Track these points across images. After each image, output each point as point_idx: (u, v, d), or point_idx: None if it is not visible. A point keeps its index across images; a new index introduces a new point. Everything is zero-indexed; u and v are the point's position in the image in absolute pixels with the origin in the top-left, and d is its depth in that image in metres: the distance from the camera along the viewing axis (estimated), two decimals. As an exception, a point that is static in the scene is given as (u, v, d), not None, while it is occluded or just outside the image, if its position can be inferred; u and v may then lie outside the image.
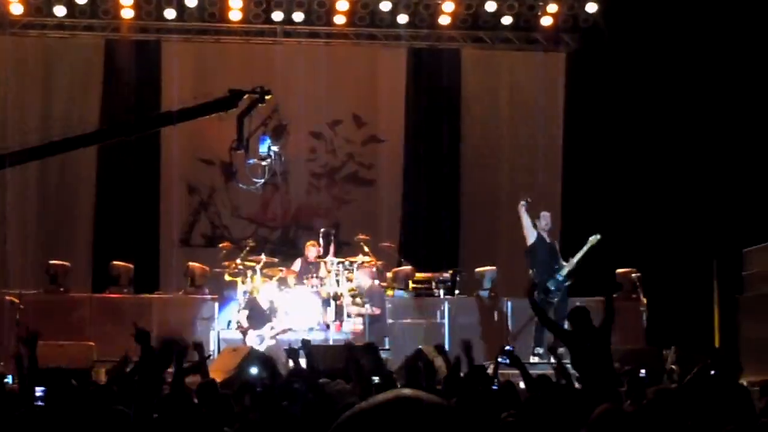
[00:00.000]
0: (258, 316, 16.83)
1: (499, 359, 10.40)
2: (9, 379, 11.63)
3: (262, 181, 13.44)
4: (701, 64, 19.21)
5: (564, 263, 16.34)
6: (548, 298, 15.92)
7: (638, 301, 17.59)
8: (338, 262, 17.85)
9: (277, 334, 16.56)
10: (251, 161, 12.82)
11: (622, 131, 20.20)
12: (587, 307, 11.52)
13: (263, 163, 12.99)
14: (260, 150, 12.91)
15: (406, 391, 2.67)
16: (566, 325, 12.45)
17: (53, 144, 13.18)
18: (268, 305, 16.98)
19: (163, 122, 15.14)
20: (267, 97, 13.38)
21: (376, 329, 16.82)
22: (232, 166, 12.66)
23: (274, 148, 13.03)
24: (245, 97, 13.01)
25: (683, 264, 19.20)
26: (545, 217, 16.64)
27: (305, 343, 10.30)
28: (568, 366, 10.80)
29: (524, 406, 7.35)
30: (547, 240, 16.52)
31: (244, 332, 16.77)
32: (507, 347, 11.25)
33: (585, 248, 16.25)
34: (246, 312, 16.93)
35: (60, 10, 20.05)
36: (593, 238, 16.27)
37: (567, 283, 16.22)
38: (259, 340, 16.51)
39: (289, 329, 16.58)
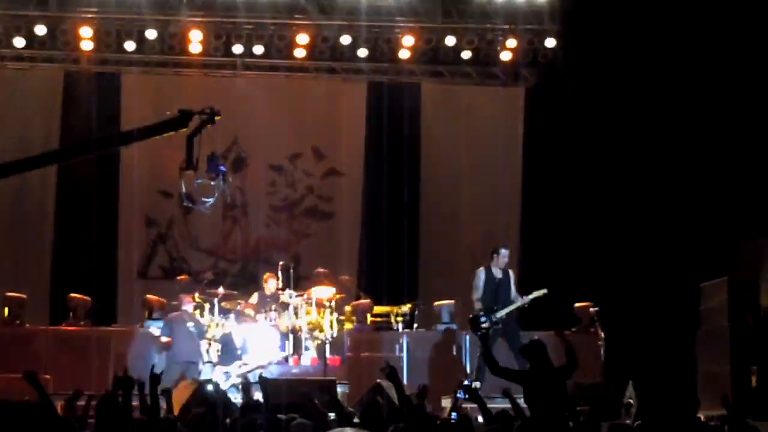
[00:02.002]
0: (230, 352, 16.75)
1: (458, 394, 10.40)
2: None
3: (212, 200, 13.42)
4: (660, 100, 19.38)
5: (509, 301, 16.18)
6: (478, 331, 15.81)
7: (596, 335, 17.62)
8: (297, 296, 17.83)
9: (249, 371, 16.42)
10: (200, 181, 12.82)
11: (581, 165, 20.32)
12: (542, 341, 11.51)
13: (212, 183, 12.99)
14: (208, 169, 12.91)
15: (347, 430, 2.65)
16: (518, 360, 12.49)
17: (9, 164, 13.08)
18: (242, 342, 16.92)
19: (115, 142, 15.05)
20: (216, 118, 13.40)
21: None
22: (182, 186, 12.62)
23: (223, 168, 13.03)
24: (195, 117, 13.04)
25: (641, 298, 19.30)
26: (504, 255, 16.54)
27: (262, 380, 10.28)
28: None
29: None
30: (499, 275, 16.35)
31: (213, 365, 16.72)
32: (465, 382, 11.29)
33: (527, 299, 16.11)
34: (218, 346, 16.84)
35: (19, 41, 19.97)
36: (539, 292, 16.14)
37: (498, 326, 16.08)
38: (226, 377, 16.40)
39: (261, 367, 16.48)
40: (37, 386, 8.33)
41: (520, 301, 16.02)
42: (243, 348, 16.88)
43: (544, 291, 16.05)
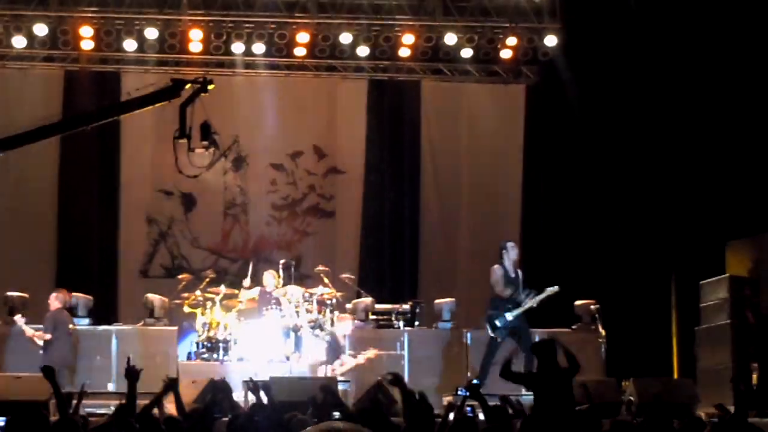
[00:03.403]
0: (334, 351, 16.70)
1: (459, 392, 10.43)
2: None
3: (205, 169, 13.43)
4: (660, 96, 19.39)
5: (520, 300, 16.16)
6: (495, 334, 15.86)
7: (597, 332, 17.63)
8: (298, 294, 17.86)
9: (347, 370, 16.45)
10: (193, 150, 12.83)
11: (581, 162, 20.35)
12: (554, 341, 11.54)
13: (205, 151, 13.00)
14: (202, 137, 12.93)
15: (337, 424, 2.64)
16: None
17: (11, 137, 13.09)
18: (343, 342, 16.86)
19: (113, 112, 15.03)
20: (209, 87, 13.43)
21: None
22: (175, 154, 12.62)
23: (216, 136, 13.05)
24: (188, 86, 13.06)
25: (642, 296, 19.33)
26: (513, 247, 16.52)
27: (253, 382, 10.32)
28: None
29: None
30: (511, 274, 16.36)
31: (319, 364, 16.73)
32: (474, 381, 11.34)
33: (541, 297, 16.09)
34: (325, 345, 16.78)
35: (19, 41, 19.99)
36: (551, 290, 16.10)
37: (513, 325, 16.08)
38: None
39: (358, 365, 16.49)
40: (53, 382, 8.39)
41: (531, 302, 15.98)
42: (343, 347, 16.85)
43: (556, 289, 16.01)
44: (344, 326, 16.93)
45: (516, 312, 15.89)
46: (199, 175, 13.56)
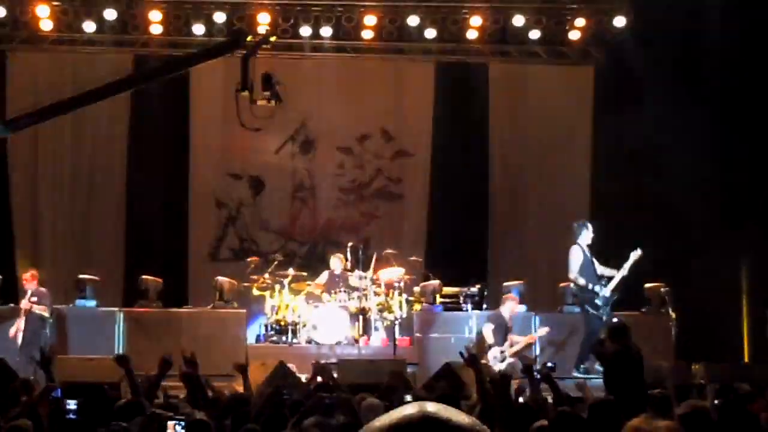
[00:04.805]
0: (502, 332, 16.72)
1: (535, 375, 10.42)
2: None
3: (267, 121, 13.37)
4: (730, 76, 19.17)
5: (606, 276, 16.13)
6: (598, 313, 15.84)
7: (667, 315, 17.50)
8: (366, 277, 17.91)
9: (519, 351, 16.48)
10: (255, 102, 12.80)
11: (650, 143, 20.16)
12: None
13: (268, 103, 12.97)
14: (264, 88, 12.90)
15: (428, 406, 2.61)
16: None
17: (83, 95, 13.12)
18: (510, 323, 16.85)
19: (179, 66, 15.02)
20: (272, 39, 13.44)
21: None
22: (237, 108, 12.60)
23: (278, 86, 13.02)
24: (249, 38, 13.07)
25: (713, 278, 19.13)
26: (591, 229, 16.46)
27: (320, 366, 10.38)
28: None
29: (554, 418, 7.37)
30: (588, 255, 16.33)
31: (489, 347, 16.62)
32: (549, 364, 11.32)
33: (629, 263, 16.00)
34: (491, 326, 16.82)
35: (89, 26, 20.18)
36: (636, 254, 16.01)
37: (614, 298, 16.09)
38: (501, 357, 16.46)
39: (530, 345, 16.50)
40: (128, 369, 8.51)
41: (622, 271, 15.93)
42: (511, 328, 16.85)
43: (639, 252, 15.94)
44: (509, 307, 16.82)
45: (612, 285, 15.88)
46: (262, 129, 13.49)
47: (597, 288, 15.94)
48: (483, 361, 16.01)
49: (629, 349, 10.99)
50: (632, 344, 11.09)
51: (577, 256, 15.97)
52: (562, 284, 17.69)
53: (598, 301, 15.86)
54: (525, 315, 17.49)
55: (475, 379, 9.30)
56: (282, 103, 12.46)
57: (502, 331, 16.59)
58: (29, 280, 17.00)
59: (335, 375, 10.49)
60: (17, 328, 16.56)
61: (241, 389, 10.71)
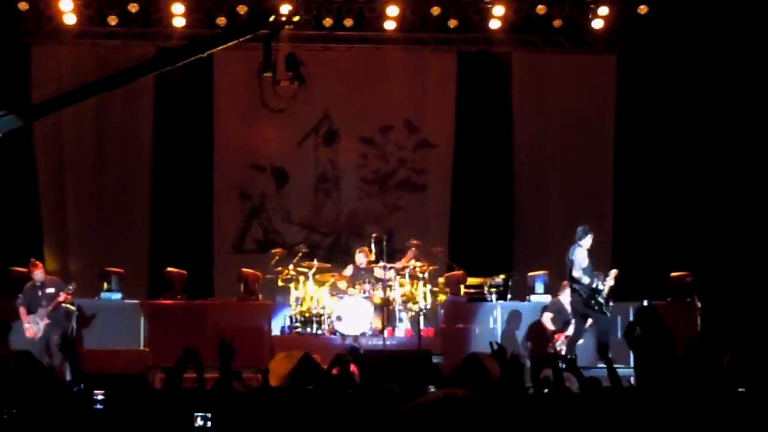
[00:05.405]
0: (563, 318, 16.77)
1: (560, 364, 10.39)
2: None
3: (289, 101, 13.27)
4: (755, 63, 19.08)
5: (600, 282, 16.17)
6: (606, 310, 15.81)
7: (693, 305, 17.45)
8: (390, 268, 17.92)
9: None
10: (279, 83, 12.73)
11: (674, 132, 20.10)
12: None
13: (291, 84, 12.89)
14: (287, 68, 12.83)
15: (458, 390, 2.64)
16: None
17: (111, 77, 13.06)
18: (569, 309, 16.86)
19: (198, 49, 14.96)
20: (294, 18, 13.39)
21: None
22: (260, 89, 12.50)
23: (302, 67, 12.95)
24: (271, 18, 12.98)
25: (739, 267, 19.06)
26: (592, 234, 16.49)
27: (353, 350, 10.33)
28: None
29: (578, 403, 7.37)
30: (589, 259, 16.37)
31: (552, 334, 16.73)
32: (569, 356, 11.30)
33: (609, 282, 15.97)
34: (550, 314, 16.84)
35: (112, 20, 20.22)
36: (612, 275, 16.05)
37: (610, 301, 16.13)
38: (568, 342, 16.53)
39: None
40: (198, 362, 8.41)
41: (608, 283, 15.91)
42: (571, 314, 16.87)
43: (616, 271, 15.95)
44: (569, 293, 16.83)
45: (607, 283, 15.84)
46: (285, 110, 13.42)
47: (600, 286, 15.89)
48: (550, 350, 16.15)
49: (659, 332, 10.97)
50: (663, 326, 11.06)
51: (583, 257, 15.98)
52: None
53: (600, 299, 15.82)
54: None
55: (500, 371, 9.28)
56: (305, 86, 12.36)
57: (564, 317, 16.60)
58: (39, 268, 16.57)
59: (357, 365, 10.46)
60: (39, 326, 16.22)
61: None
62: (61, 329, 16.02)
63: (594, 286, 15.73)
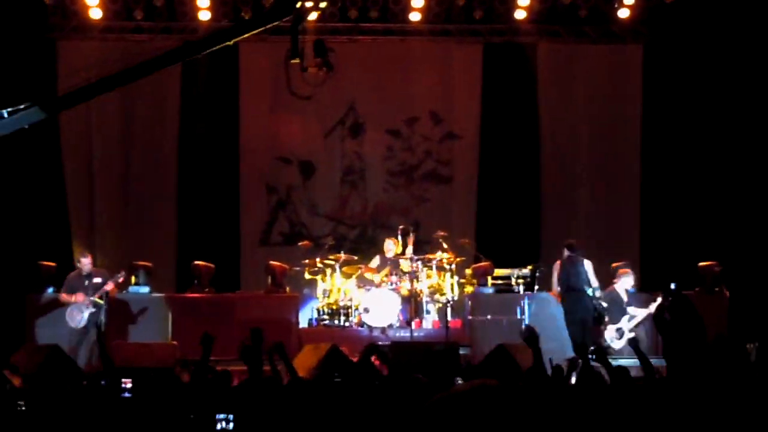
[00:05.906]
0: (617, 308, 16.76)
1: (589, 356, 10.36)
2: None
3: (316, 88, 13.19)
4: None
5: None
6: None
7: (721, 294, 17.38)
8: (417, 260, 17.90)
9: (637, 324, 16.50)
10: (306, 69, 12.65)
11: (701, 121, 20.01)
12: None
13: (319, 70, 12.83)
14: (316, 54, 12.76)
15: (490, 381, 2.65)
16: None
17: (135, 67, 13.01)
18: (626, 299, 16.89)
19: (224, 38, 14.93)
20: (322, 4, 13.31)
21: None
22: (287, 75, 12.43)
23: (331, 53, 12.88)
24: (298, 5, 12.89)
25: (766, 256, 18.97)
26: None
27: (373, 347, 10.34)
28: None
29: (608, 393, 7.37)
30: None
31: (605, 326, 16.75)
32: (592, 347, 11.28)
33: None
34: (604, 305, 16.89)
35: (138, 13, 20.28)
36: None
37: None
38: (619, 334, 16.50)
39: (648, 318, 16.47)
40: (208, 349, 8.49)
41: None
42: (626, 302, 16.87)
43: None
44: (624, 282, 16.83)
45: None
46: (312, 96, 13.35)
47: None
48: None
49: (690, 318, 10.90)
50: (693, 313, 11.00)
51: (592, 271, 16.23)
52: (614, 264, 17.66)
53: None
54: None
55: (533, 359, 9.26)
56: (332, 72, 12.30)
57: (619, 307, 16.58)
58: (88, 258, 16.63)
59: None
60: (82, 315, 16.18)
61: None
62: (98, 320, 16.08)
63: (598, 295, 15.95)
